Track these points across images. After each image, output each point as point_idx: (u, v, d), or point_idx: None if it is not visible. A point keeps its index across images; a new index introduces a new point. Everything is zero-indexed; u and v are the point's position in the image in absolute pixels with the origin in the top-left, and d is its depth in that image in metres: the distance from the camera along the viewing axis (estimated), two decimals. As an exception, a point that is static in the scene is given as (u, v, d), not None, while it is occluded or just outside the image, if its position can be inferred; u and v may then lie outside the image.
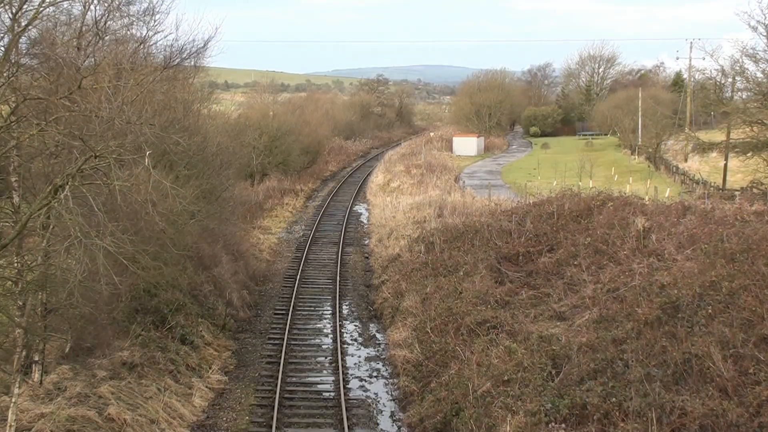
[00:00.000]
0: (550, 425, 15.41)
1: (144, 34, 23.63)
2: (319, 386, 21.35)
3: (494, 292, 24.30)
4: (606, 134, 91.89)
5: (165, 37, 39.25)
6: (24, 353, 16.16)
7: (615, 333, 18.16)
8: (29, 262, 15.54)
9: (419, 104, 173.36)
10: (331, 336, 25.71)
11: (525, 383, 17.40)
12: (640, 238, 24.73)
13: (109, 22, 20.75)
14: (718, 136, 49.51)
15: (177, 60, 25.57)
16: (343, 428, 18.38)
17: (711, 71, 48.39)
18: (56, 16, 17.65)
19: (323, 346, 24.72)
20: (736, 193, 38.10)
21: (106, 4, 19.81)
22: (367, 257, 37.16)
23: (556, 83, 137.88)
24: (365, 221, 47.26)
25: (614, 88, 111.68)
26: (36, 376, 17.40)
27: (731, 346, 15.67)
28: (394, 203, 47.22)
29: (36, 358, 17.39)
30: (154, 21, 23.67)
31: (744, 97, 39.68)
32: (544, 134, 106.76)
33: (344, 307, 29.30)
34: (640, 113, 74.25)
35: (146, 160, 13.27)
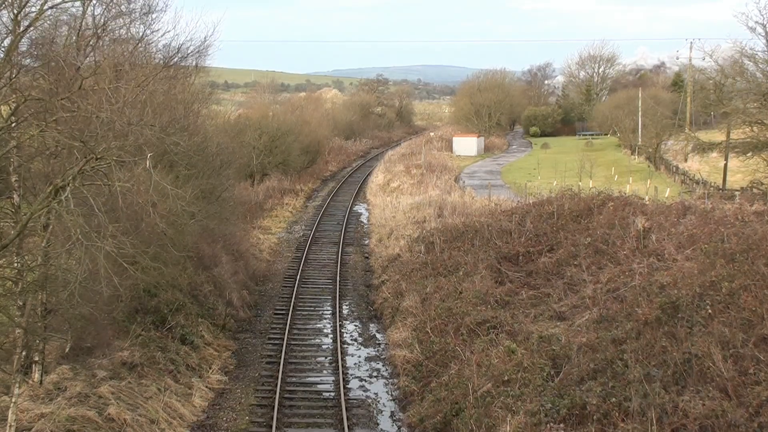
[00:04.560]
0: (549, 425, 15.42)
1: (142, 33, 23.64)
2: (319, 386, 21.36)
3: (494, 292, 24.31)
4: (606, 134, 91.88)
5: (163, 35, 39.45)
6: (24, 353, 16.18)
7: (615, 333, 18.17)
8: (29, 263, 15.56)
9: (419, 104, 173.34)
10: (331, 336, 25.72)
11: (525, 383, 17.41)
12: (640, 238, 24.74)
13: (108, 22, 20.75)
14: (718, 136, 49.47)
15: (176, 59, 25.60)
16: (343, 428, 18.39)
17: (711, 71, 48.32)
18: (57, 17, 17.64)
19: (323, 346, 24.73)
20: (736, 193, 38.11)
21: (105, 4, 19.81)
22: (367, 257, 37.16)
23: (556, 83, 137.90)
24: (365, 221, 47.26)
25: (614, 88, 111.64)
26: (36, 376, 17.41)
27: (731, 346, 15.67)
28: (394, 203, 47.22)
29: (36, 358, 17.39)
30: (152, 19, 23.69)
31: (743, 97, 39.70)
32: (544, 134, 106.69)
33: (344, 307, 29.31)
34: (640, 113, 74.26)
35: (147, 162, 13.28)
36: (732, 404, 14.12)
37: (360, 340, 25.69)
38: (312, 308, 28.98)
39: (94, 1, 18.39)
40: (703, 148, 45.48)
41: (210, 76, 44.25)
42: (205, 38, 26.98)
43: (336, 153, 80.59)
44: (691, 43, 65.71)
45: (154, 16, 23.60)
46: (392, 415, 19.67)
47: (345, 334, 26.04)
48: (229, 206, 31.70)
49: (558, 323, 20.93)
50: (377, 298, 29.61)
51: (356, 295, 31.01)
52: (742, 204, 28.77)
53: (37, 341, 16.75)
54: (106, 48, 20.98)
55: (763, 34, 36.91)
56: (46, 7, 14.08)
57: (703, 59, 51.31)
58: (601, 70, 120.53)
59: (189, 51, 26.35)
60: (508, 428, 15.84)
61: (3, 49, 13.89)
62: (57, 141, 13.95)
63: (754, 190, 38.05)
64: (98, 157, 12.89)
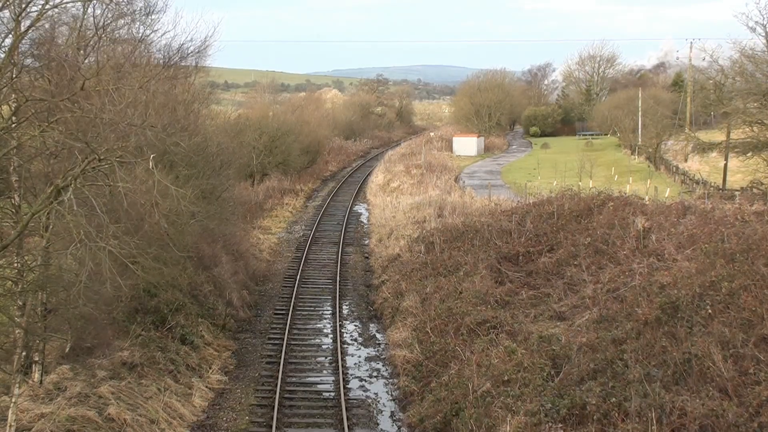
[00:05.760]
0: (549, 425, 15.43)
1: (143, 33, 23.65)
2: (319, 386, 21.37)
3: (494, 292, 24.31)
4: (606, 134, 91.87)
5: (163, 35, 39.49)
6: (24, 353, 16.18)
7: (615, 333, 18.18)
8: (29, 262, 15.57)
9: (419, 104, 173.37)
10: (331, 336, 25.73)
11: (525, 383, 17.41)
12: (640, 238, 24.75)
13: (109, 22, 20.76)
14: (718, 136, 49.47)
15: (176, 59, 25.61)
16: (343, 428, 18.40)
17: (711, 71, 48.32)
18: (58, 17, 17.66)
19: (323, 346, 24.73)
20: (736, 193, 38.13)
21: (105, 4, 19.81)
22: (367, 257, 37.17)
23: (556, 82, 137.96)
24: (365, 221, 47.28)
25: (614, 88, 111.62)
26: (36, 376, 17.41)
27: (731, 346, 15.69)
28: (394, 203, 47.22)
29: (36, 358, 17.40)
30: (152, 20, 23.69)
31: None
32: (544, 134, 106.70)
33: (344, 307, 29.31)
34: (640, 113, 74.26)
35: (150, 163, 13.29)
36: (732, 404, 14.13)
37: (360, 340, 25.69)
38: (312, 308, 28.99)
39: (95, 2, 18.39)
40: (703, 148, 45.49)
41: (210, 76, 44.29)
42: (205, 38, 27.05)
43: (336, 153, 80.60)
44: (691, 43, 65.78)
45: (154, 16, 23.61)
46: (392, 415, 19.67)
47: (345, 334, 26.05)
48: (229, 206, 31.71)
49: (558, 323, 20.94)
50: (377, 298, 29.62)
51: (356, 295, 31.02)
52: (742, 204, 28.79)
53: (37, 341, 16.75)
54: (106, 48, 20.99)
55: (763, 34, 36.96)
56: (47, 7, 14.10)
57: (703, 59, 51.36)
58: (601, 70, 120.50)
59: (189, 51, 26.40)
60: (508, 428, 15.84)
61: (4, 49, 13.91)
62: (58, 141, 13.97)
63: (754, 190, 38.06)
64: (101, 158, 12.91)
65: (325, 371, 22.52)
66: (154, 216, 15.42)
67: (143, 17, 23.41)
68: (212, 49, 41.35)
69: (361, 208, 52.44)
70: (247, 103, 74.97)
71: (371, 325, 27.35)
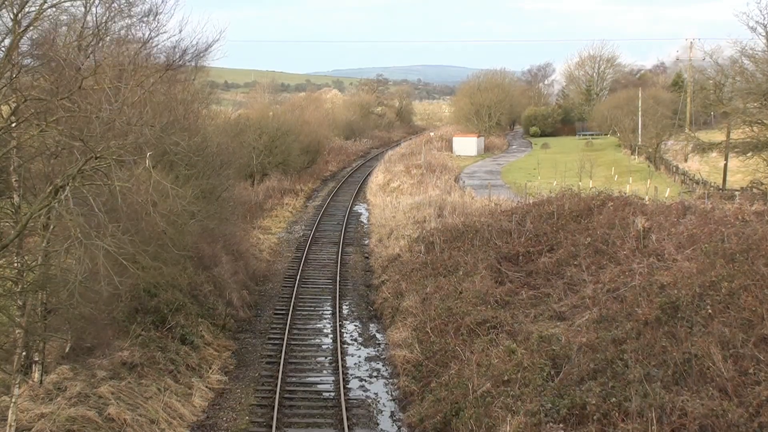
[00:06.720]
0: (549, 425, 15.43)
1: (146, 35, 23.58)
2: (319, 386, 21.36)
3: (494, 292, 24.31)
4: (606, 134, 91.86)
5: (168, 39, 39.60)
6: (24, 353, 16.19)
7: (615, 333, 18.17)
8: (29, 263, 15.56)
9: (419, 104, 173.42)
10: (331, 336, 25.72)
11: (525, 383, 17.41)
12: (640, 238, 24.75)
13: (109, 23, 20.73)
14: (718, 136, 49.49)
15: (179, 62, 25.54)
16: (343, 428, 18.39)
17: (711, 71, 48.33)
18: (57, 17, 17.65)
19: (323, 346, 24.73)
20: (736, 193, 38.12)
21: (106, 5, 19.80)
22: (367, 257, 37.17)
23: (556, 81, 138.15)
24: (365, 221, 47.27)
25: (614, 88, 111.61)
26: (36, 376, 17.41)
27: (731, 346, 15.69)
28: (394, 203, 47.21)
29: (36, 358, 17.40)
30: (157, 22, 23.61)
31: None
32: (544, 134, 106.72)
33: (344, 307, 29.31)
34: (640, 113, 74.24)
35: (147, 162, 13.28)
36: (732, 404, 14.13)
37: (360, 340, 25.69)
38: (312, 308, 28.98)
39: (96, 2, 18.40)
40: (703, 148, 45.50)
41: (210, 76, 44.32)
42: (211, 43, 27.00)
43: (336, 153, 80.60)
44: (691, 43, 65.76)
45: (158, 17, 23.53)
46: (392, 415, 19.67)
47: (345, 334, 26.04)
48: (229, 206, 31.70)
49: (558, 323, 20.94)
50: (377, 298, 29.61)
51: (356, 295, 31.01)
52: (742, 204, 28.80)
53: (37, 341, 16.75)
54: (107, 49, 20.95)
55: (764, 34, 36.97)
56: (45, 6, 14.09)
57: (703, 59, 51.37)
58: (601, 70, 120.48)
59: (193, 54, 26.34)
60: (508, 428, 15.84)
61: (3, 48, 13.90)
62: (57, 141, 13.97)
63: (754, 190, 38.05)
64: (98, 156, 12.91)
65: (325, 371, 22.51)
66: (152, 215, 15.40)
67: (146, 19, 23.35)
68: (218, 53, 41.44)
69: (361, 208, 52.43)
70: (247, 103, 74.99)
71: (371, 325, 27.35)
